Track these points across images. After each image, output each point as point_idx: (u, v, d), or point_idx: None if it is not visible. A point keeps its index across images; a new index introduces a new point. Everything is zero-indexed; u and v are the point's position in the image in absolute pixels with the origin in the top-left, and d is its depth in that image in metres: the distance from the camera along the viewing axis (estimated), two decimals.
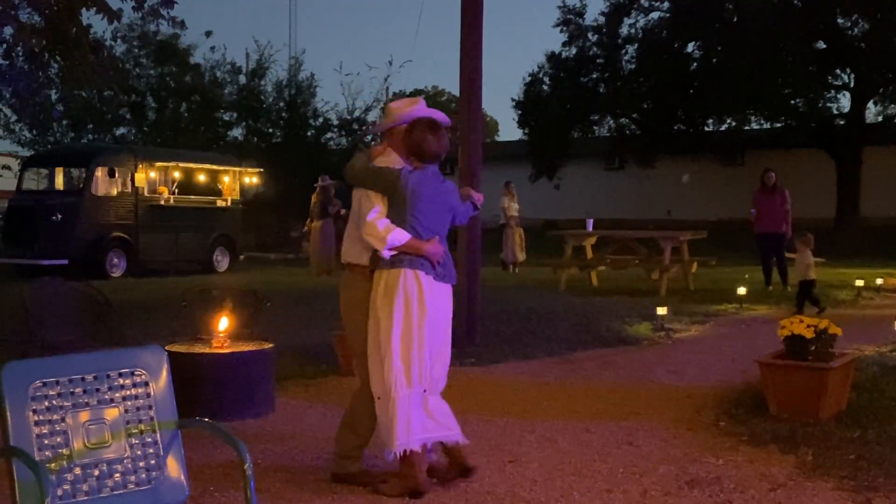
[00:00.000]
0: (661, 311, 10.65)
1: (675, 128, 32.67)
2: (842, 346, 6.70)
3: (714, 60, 30.65)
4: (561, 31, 33.20)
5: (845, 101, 31.50)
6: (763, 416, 6.17)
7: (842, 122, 31.00)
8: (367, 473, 4.90)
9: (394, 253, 4.62)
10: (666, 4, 32.00)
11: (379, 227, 4.59)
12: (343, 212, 19.10)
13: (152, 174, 19.48)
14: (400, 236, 4.60)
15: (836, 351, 6.39)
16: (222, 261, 20.59)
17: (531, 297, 13.53)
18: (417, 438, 4.62)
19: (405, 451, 4.58)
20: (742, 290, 12.98)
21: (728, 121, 32.76)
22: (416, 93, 51.07)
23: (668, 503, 4.61)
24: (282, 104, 31.79)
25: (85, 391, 3.24)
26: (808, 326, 6.18)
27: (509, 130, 73.72)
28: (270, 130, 32.15)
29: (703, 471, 5.11)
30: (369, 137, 29.25)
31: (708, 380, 7.76)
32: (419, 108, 4.86)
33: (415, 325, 4.63)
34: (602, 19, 32.73)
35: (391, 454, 4.60)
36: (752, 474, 5.03)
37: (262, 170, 23.25)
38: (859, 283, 14.35)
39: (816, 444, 5.49)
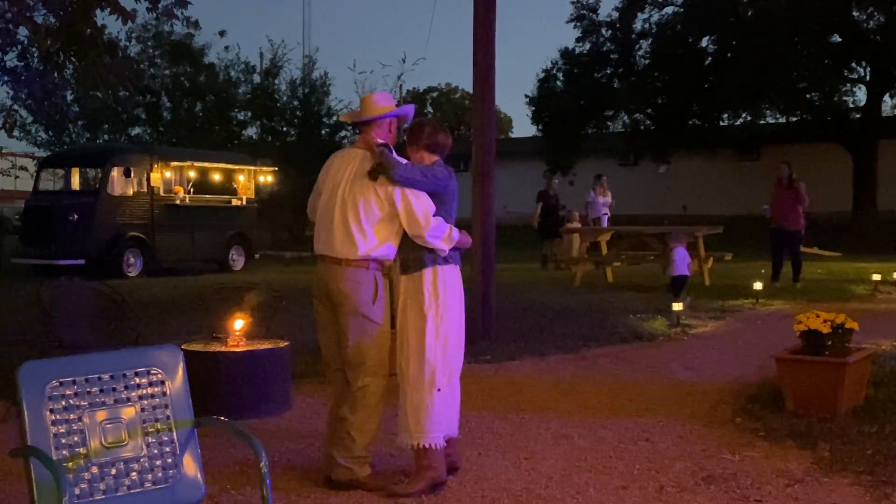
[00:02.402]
0: (677, 306, 10.62)
1: (690, 123, 32.56)
2: (858, 341, 6.67)
3: (728, 55, 30.50)
4: (574, 26, 33.17)
5: (861, 95, 31.36)
6: (780, 412, 6.15)
7: (857, 116, 30.82)
8: (375, 478, 4.81)
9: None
10: None
11: (446, 227, 4.73)
12: None
13: (168, 174, 19.53)
14: (457, 234, 4.80)
15: (853, 346, 6.36)
16: (238, 259, 20.65)
17: (546, 293, 13.51)
18: (444, 432, 4.72)
19: (433, 444, 4.65)
20: (758, 286, 12.93)
21: (743, 115, 32.62)
22: (429, 90, 51.09)
23: (685, 499, 4.60)
24: (296, 103, 31.81)
25: (102, 390, 3.25)
26: (825, 321, 6.16)
27: (523, 127, 73.56)
28: (285, 129, 32.19)
29: (720, 467, 5.10)
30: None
31: (724, 375, 7.73)
32: (406, 106, 5.10)
33: (463, 316, 4.86)
34: (616, 14, 32.69)
35: (429, 443, 4.65)
36: (768, 470, 5.02)
37: (276, 168, 23.28)
38: (876, 277, 14.25)
39: (833, 440, 5.46)
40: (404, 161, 4.76)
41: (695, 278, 14.64)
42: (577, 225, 18.62)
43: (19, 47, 10.46)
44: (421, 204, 4.69)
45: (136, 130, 31.20)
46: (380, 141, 4.81)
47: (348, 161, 4.89)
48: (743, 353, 8.77)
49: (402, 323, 4.75)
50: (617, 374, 7.92)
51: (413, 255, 4.74)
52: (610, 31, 33.01)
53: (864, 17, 29.73)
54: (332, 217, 4.83)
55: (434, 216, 4.70)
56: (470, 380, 4.97)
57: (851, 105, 31.44)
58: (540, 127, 35.60)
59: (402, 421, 4.73)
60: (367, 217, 4.72)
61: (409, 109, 5.12)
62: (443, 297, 4.71)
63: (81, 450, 3.14)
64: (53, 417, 3.12)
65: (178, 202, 19.55)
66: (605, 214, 19.04)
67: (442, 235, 4.70)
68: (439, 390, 4.69)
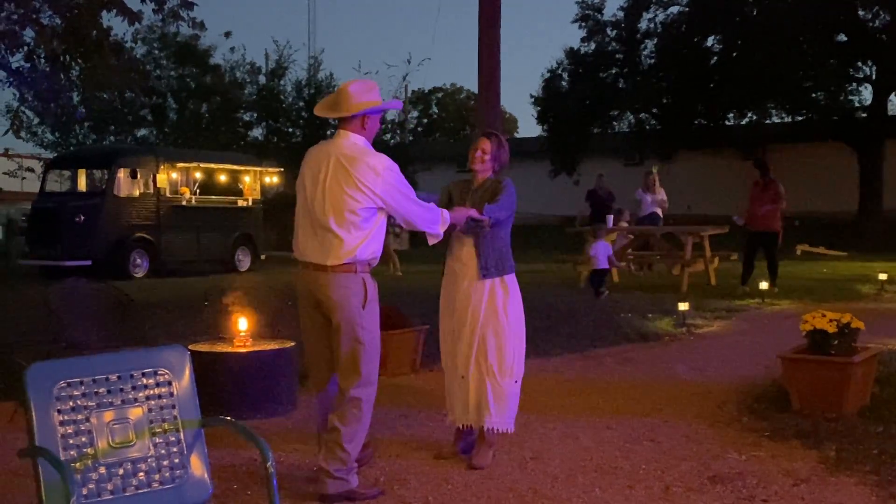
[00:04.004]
0: (683, 306, 10.61)
1: (696, 122, 32.50)
2: (865, 341, 6.66)
3: (734, 54, 30.45)
4: (580, 26, 33.12)
5: (867, 94, 31.28)
6: (785, 412, 6.15)
7: (863, 115, 30.75)
8: (365, 486, 4.71)
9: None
10: None
11: (438, 214, 4.93)
12: None
13: (174, 175, 19.59)
14: (448, 216, 4.98)
15: (859, 345, 6.36)
16: (244, 260, 20.67)
17: (551, 293, 13.49)
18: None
19: (510, 429, 5.28)
20: (764, 285, 12.91)
21: (748, 115, 32.56)
22: (434, 91, 50.87)
23: (691, 499, 4.60)
24: (301, 104, 31.85)
25: (109, 391, 3.26)
26: (831, 321, 6.15)
27: (528, 127, 73.28)
28: (290, 130, 32.23)
29: (726, 467, 5.10)
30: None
31: (730, 375, 7.73)
32: (391, 102, 5.21)
33: None
34: (621, 14, 32.63)
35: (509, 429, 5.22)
36: (774, 470, 5.02)
37: (282, 169, 23.32)
38: (882, 276, 14.22)
39: (839, 439, 5.46)
40: (496, 209, 5.14)
41: (700, 278, 14.64)
42: (624, 224, 17.51)
43: (25, 49, 10.50)
44: (409, 199, 4.67)
45: (143, 132, 31.28)
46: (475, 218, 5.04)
47: (323, 160, 4.59)
48: (748, 353, 8.76)
49: (485, 321, 5.10)
50: (622, 374, 7.93)
51: (494, 261, 5.14)
52: (615, 31, 32.98)
53: (870, 16, 29.67)
54: (313, 220, 4.59)
55: (429, 204, 4.87)
56: None
57: (857, 104, 31.37)
58: (545, 127, 35.55)
59: (470, 404, 5.17)
60: (350, 218, 4.48)
61: (395, 104, 5.04)
62: (519, 298, 5.26)
63: (89, 450, 3.15)
64: (61, 418, 3.13)
65: (184, 203, 19.59)
66: (654, 212, 17.46)
67: (439, 221, 4.84)
68: (516, 382, 5.22)
